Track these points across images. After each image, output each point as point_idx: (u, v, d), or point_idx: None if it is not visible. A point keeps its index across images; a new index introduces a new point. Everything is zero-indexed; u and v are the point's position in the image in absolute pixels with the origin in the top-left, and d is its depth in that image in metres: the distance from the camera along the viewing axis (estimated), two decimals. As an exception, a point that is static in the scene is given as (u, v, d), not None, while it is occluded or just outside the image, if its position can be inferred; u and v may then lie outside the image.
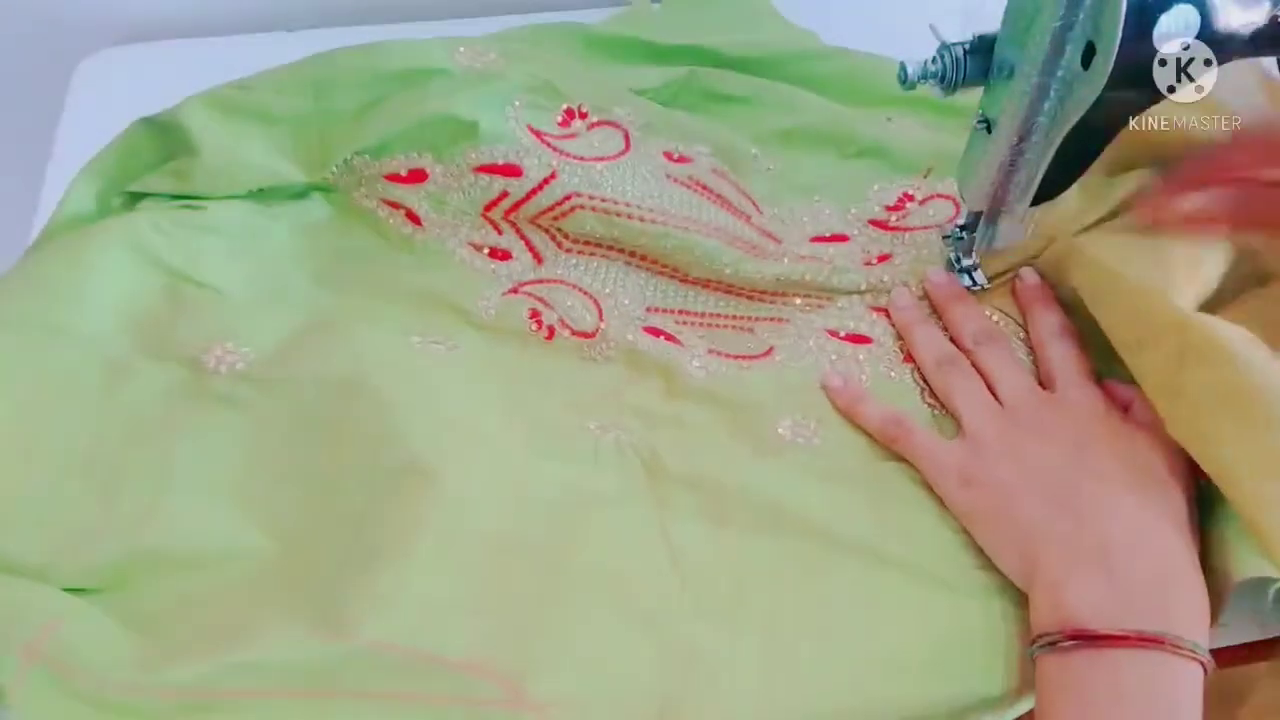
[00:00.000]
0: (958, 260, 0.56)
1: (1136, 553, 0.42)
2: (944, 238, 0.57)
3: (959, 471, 0.47)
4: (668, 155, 0.59)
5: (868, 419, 0.51)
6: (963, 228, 0.55)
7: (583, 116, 0.59)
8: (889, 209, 0.60)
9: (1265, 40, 0.43)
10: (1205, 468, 0.44)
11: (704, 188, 0.58)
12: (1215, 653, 0.43)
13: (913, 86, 0.48)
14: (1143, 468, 0.45)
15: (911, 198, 0.61)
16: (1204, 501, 0.45)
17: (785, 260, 0.57)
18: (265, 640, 0.40)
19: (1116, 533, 0.42)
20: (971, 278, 0.56)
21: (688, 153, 0.60)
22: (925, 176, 0.61)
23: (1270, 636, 0.45)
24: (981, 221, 0.54)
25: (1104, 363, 0.50)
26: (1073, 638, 0.40)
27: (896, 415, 0.50)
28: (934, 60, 0.48)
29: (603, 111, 0.59)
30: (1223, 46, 0.42)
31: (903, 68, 0.48)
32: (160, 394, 0.48)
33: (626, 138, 0.59)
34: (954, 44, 0.48)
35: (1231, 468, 0.42)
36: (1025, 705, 0.42)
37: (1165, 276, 0.48)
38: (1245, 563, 0.42)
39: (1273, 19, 0.43)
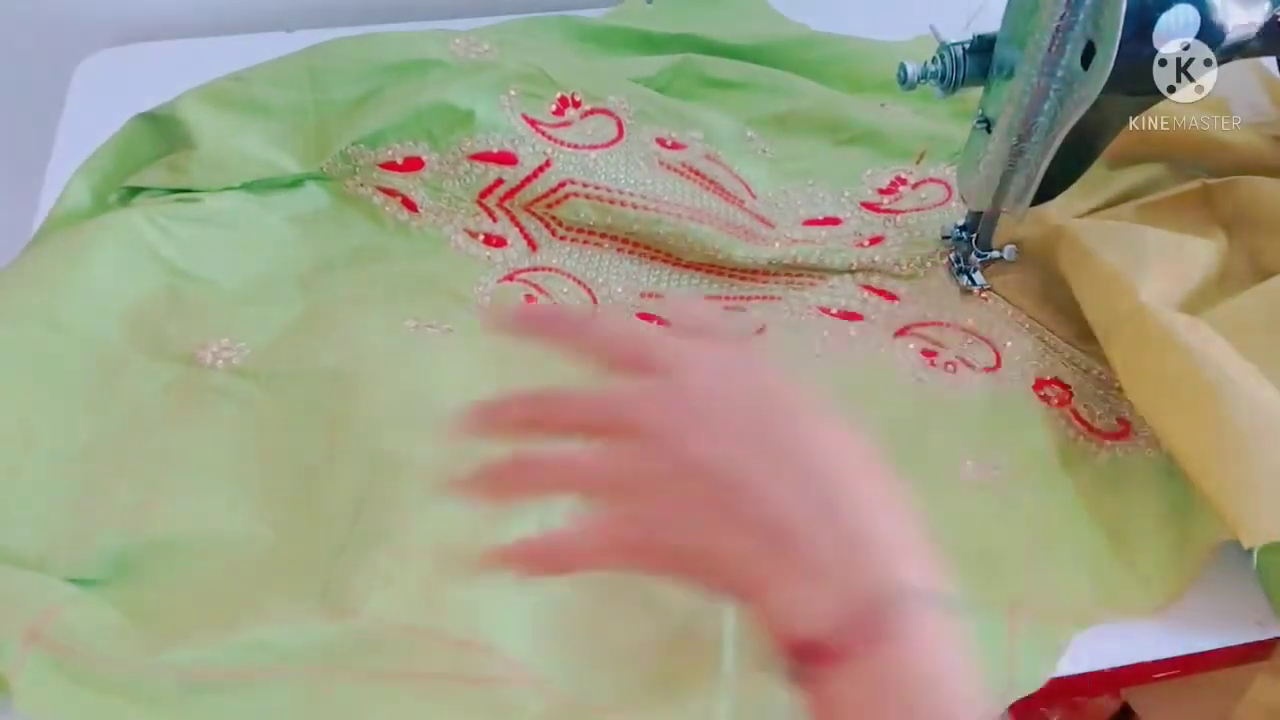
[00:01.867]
0: (958, 260, 0.56)
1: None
2: (943, 238, 0.57)
3: None
4: (660, 142, 0.59)
5: None
6: (963, 228, 0.55)
7: (576, 105, 0.59)
8: (881, 192, 0.61)
9: (1265, 40, 0.43)
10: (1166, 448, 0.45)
11: (697, 174, 0.59)
12: (1215, 653, 0.43)
13: (913, 87, 0.48)
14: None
15: (904, 181, 0.61)
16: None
17: (777, 245, 0.57)
18: (269, 619, 0.40)
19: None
20: (971, 278, 0.56)
21: (681, 139, 0.60)
22: (918, 161, 0.62)
23: (1270, 636, 0.45)
24: (981, 221, 0.54)
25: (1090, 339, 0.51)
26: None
27: None
28: (934, 60, 0.48)
29: (596, 99, 0.60)
30: (1223, 46, 0.42)
31: (902, 68, 0.48)
32: (157, 389, 0.48)
33: (620, 125, 0.59)
34: (954, 44, 0.48)
35: (1183, 455, 0.44)
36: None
37: (1138, 263, 0.49)
38: (1218, 529, 0.43)
39: (1273, 19, 0.43)
